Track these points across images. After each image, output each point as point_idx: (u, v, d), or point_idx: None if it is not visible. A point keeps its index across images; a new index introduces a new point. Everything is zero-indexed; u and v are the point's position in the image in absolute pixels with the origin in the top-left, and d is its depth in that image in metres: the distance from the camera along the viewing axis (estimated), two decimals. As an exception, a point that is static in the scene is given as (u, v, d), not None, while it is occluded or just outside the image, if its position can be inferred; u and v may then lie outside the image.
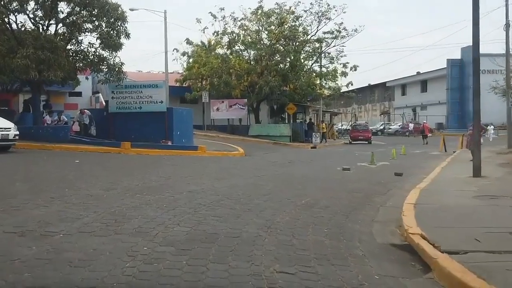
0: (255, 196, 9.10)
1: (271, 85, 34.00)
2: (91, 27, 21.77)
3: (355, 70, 37.82)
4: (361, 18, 43.65)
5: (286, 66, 36.99)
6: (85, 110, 23.89)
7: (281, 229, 6.43)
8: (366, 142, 40.35)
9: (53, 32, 21.68)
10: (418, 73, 73.11)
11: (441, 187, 10.87)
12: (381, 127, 62.71)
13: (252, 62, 37.59)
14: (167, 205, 7.80)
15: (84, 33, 21.97)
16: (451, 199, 9.04)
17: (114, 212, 7.08)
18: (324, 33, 37.45)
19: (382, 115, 77.56)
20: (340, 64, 37.76)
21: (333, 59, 37.84)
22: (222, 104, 36.67)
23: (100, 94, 32.53)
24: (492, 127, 40.55)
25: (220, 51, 37.71)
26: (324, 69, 38.43)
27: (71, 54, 22.16)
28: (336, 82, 38.06)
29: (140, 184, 10.24)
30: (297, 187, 10.94)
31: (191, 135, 23.67)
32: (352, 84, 38.16)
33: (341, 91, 38.61)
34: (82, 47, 22.19)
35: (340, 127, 59.36)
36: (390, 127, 60.28)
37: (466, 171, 13.80)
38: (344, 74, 37.65)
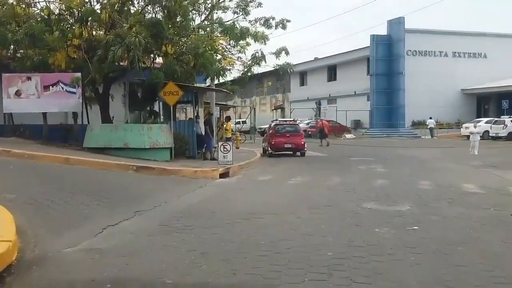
0: None
1: (130, 42, 15.86)
2: None
3: (284, 27, 21.27)
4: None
5: (158, 13, 19.06)
6: None
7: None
8: (294, 153, 24.42)
9: None
10: (316, 58, 59.38)
11: None
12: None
13: (93, 3, 19.16)
14: None
15: None
16: None
17: None
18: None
19: (274, 111, 62.45)
20: (253, 21, 20.91)
21: (241, 11, 20.69)
22: (27, 83, 17.76)
23: None
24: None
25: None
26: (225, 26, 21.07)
27: None
28: (245, 51, 21.09)
29: None
30: None
31: None
32: (287, 54, 20.84)
33: (270, 64, 21.16)
34: None
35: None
36: (297, 126, 44.94)
37: None
38: (263, 38, 20.70)
